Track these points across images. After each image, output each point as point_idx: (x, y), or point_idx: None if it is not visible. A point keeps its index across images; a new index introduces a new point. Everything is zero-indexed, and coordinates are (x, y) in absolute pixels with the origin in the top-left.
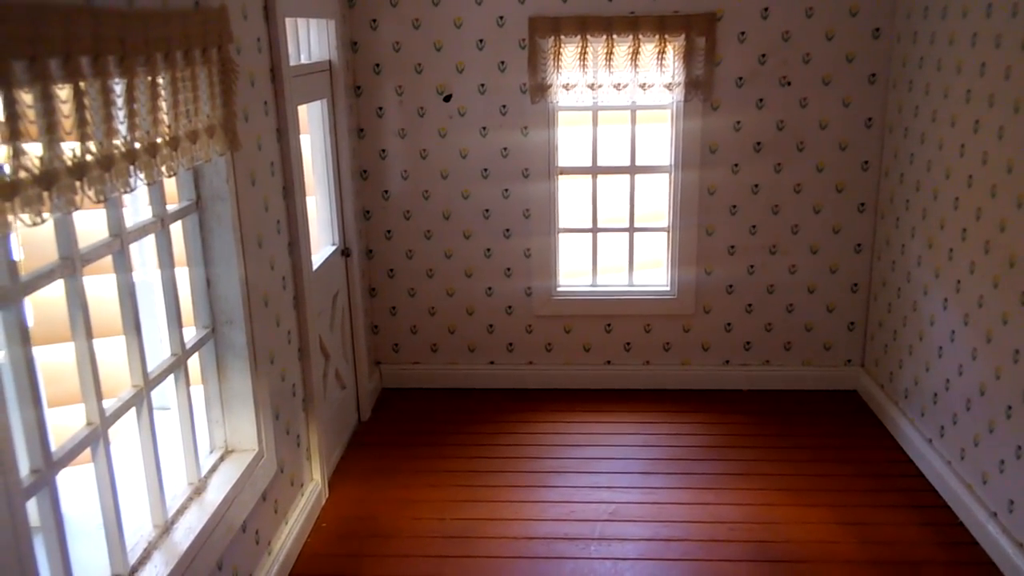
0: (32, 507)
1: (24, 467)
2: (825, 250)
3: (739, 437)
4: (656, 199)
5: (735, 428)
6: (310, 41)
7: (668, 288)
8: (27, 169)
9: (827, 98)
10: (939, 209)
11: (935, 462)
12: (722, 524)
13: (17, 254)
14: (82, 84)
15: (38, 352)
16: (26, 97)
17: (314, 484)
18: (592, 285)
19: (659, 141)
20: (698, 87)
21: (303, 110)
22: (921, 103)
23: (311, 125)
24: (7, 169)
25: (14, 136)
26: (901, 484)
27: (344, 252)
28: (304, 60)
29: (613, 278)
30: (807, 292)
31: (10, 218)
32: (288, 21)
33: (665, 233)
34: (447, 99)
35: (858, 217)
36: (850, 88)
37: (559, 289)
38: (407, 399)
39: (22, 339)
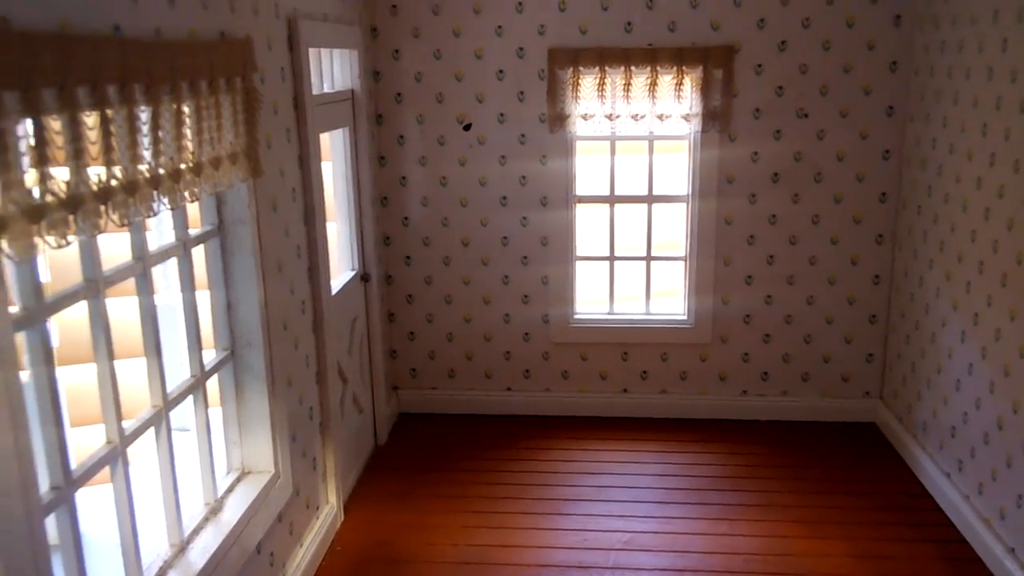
0: (51, 524)
1: (44, 485)
2: (843, 281)
3: (756, 468)
4: (673, 228)
5: (752, 459)
6: (333, 70)
7: (685, 317)
8: (54, 193)
9: (844, 130)
10: (957, 242)
11: (953, 496)
12: (737, 555)
13: (44, 275)
14: (109, 112)
15: (61, 372)
16: (54, 124)
17: (329, 507)
18: (609, 313)
19: (676, 171)
20: (715, 118)
21: (325, 138)
22: (938, 136)
23: (333, 152)
24: (35, 193)
25: (42, 161)
26: (918, 518)
27: (363, 277)
28: (327, 89)
29: (630, 306)
30: (825, 323)
31: (37, 240)
32: (312, 51)
33: (682, 262)
34: (467, 128)
35: (876, 248)
36: (867, 121)
37: (576, 317)
38: (424, 424)
39: (46, 359)
